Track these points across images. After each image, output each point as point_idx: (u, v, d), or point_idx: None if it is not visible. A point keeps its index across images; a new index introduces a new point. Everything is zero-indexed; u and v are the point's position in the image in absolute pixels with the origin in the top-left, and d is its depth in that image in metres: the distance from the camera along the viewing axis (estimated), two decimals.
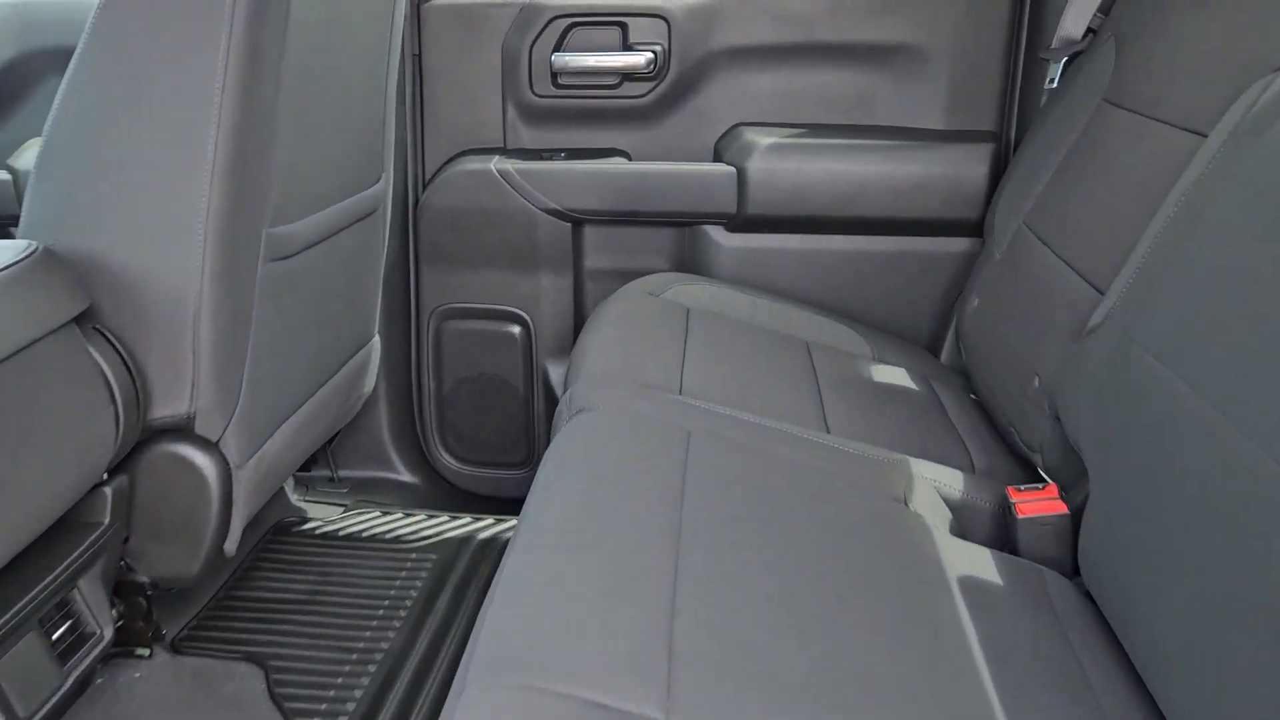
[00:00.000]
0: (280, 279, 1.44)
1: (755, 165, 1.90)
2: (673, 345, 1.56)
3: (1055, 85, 1.85)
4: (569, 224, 2.00)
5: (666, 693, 0.78)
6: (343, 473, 2.16)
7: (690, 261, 2.00)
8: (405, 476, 2.17)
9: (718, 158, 1.99)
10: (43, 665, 1.23)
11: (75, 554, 1.25)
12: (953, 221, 1.89)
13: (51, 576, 1.22)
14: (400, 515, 2.06)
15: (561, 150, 2.02)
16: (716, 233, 1.96)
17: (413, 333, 2.09)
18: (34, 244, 1.21)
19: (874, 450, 1.34)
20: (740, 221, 1.94)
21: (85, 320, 1.25)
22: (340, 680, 1.55)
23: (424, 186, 2.01)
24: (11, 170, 2.02)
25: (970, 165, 1.88)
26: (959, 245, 1.91)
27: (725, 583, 0.96)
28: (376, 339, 1.95)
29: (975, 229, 1.89)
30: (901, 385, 1.64)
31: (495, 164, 1.98)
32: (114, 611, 1.43)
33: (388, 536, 1.97)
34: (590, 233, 2.02)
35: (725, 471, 1.18)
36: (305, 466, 2.13)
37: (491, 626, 0.83)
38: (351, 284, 1.74)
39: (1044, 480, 1.29)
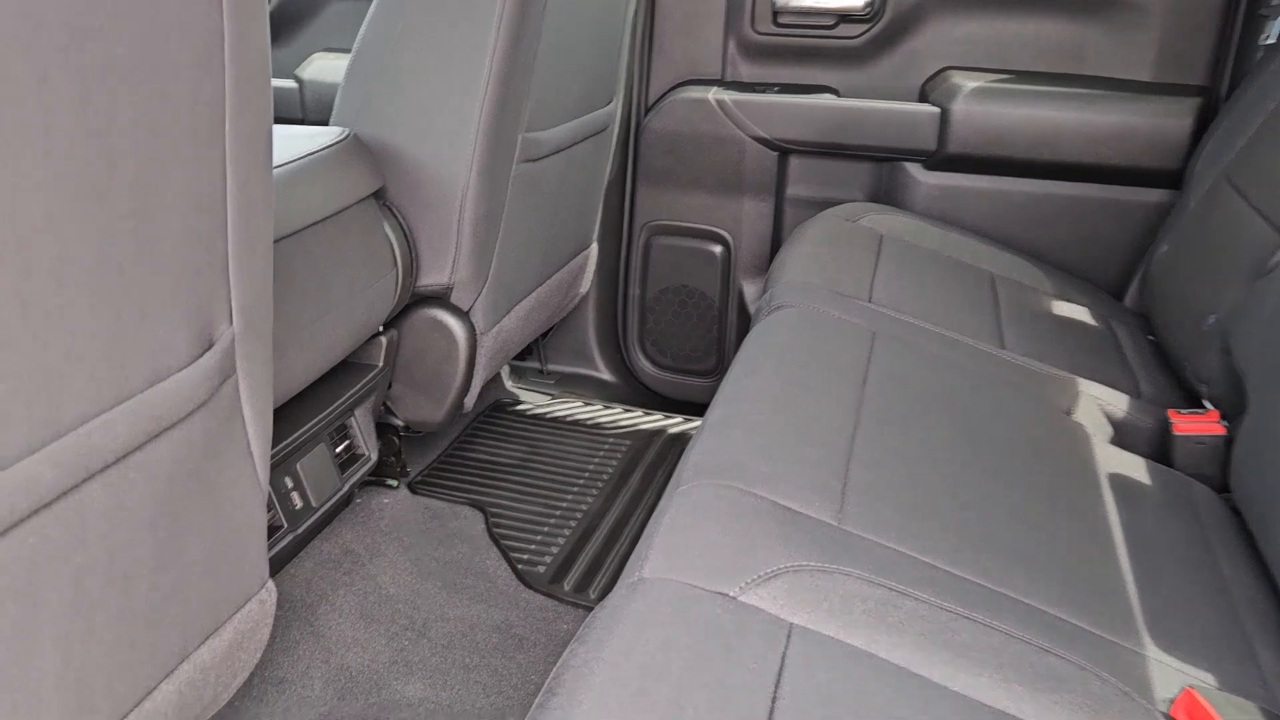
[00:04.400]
0: (528, 179, 1.68)
1: (959, 107, 2.01)
2: (865, 263, 1.71)
3: (1272, 42, 1.87)
4: (775, 153, 2.16)
5: (839, 506, 0.97)
6: (551, 366, 2.43)
7: (886, 195, 2.13)
8: (605, 375, 2.42)
9: (922, 99, 2.11)
10: (328, 470, 1.53)
11: (357, 386, 1.54)
12: (1150, 171, 1.94)
13: (339, 401, 1.51)
14: (600, 406, 2.31)
15: (775, 85, 2.18)
16: (914, 169, 2.08)
17: (624, 244, 2.32)
18: (347, 130, 1.49)
19: (1043, 367, 1.46)
20: (938, 159, 2.05)
21: (379, 197, 1.53)
22: (546, 529, 1.80)
23: (646, 111, 2.22)
24: (299, 80, 2.35)
25: (1174, 117, 1.92)
26: (1153, 195, 1.96)
27: (895, 447, 1.13)
28: (595, 246, 2.19)
29: (1172, 180, 1.94)
30: (1079, 319, 1.74)
31: (713, 94, 2.16)
32: (377, 446, 1.73)
33: (588, 423, 2.22)
34: (794, 162, 2.18)
35: (904, 368, 1.34)
36: (519, 358, 2.41)
37: (703, 445, 1.04)
38: (579, 193, 1.97)
39: (1206, 408, 1.39)
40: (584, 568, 1.71)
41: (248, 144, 0.90)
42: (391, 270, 1.51)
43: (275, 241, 1.26)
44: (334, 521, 1.69)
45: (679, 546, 0.92)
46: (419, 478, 1.91)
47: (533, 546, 1.76)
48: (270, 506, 1.41)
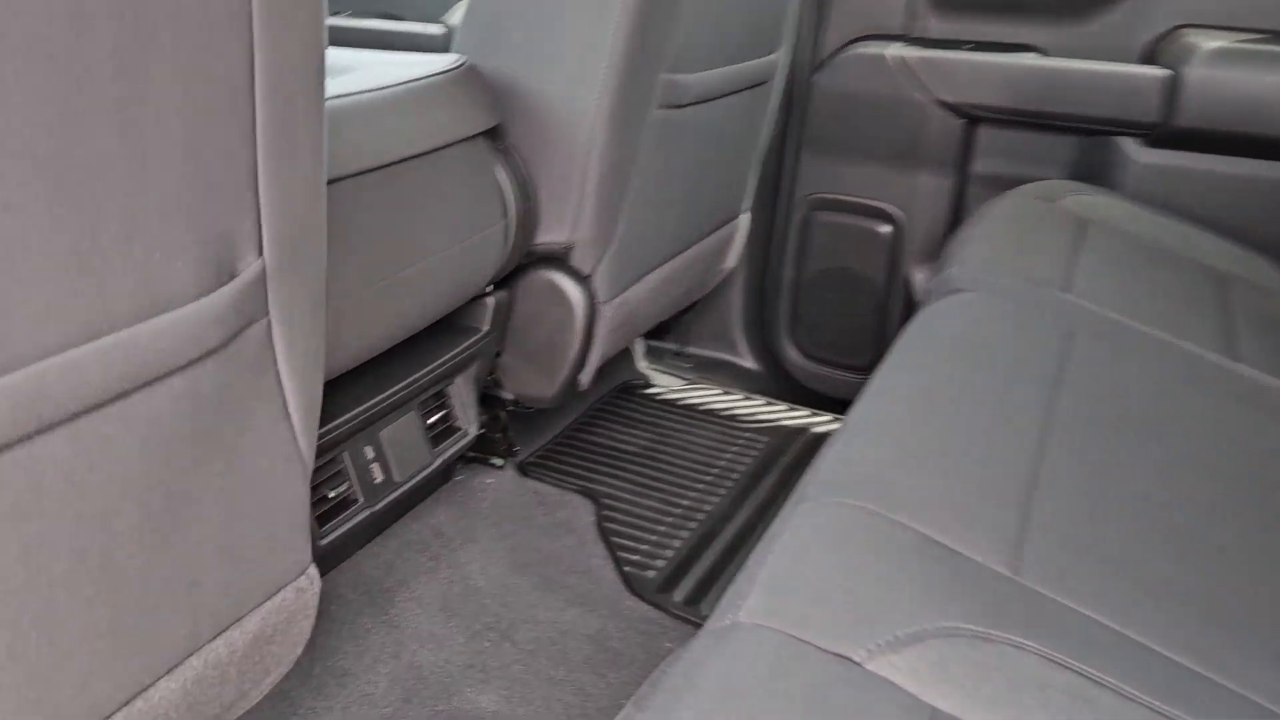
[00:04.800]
0: (668, 128, 1.46)
1: (1196, 72, 1.67)
2: (1063, 248, 1.42)
3: None
4: (962, 121, 1.87)
5: (1015, 550, 0.72)
6: (690, 349, 2.21)
7: (1090, 174, 1.81)
8: (748, 362, 2.18)
9: (1147, 62, 1.77)
10: (418, 442, 1.37)
11: (456, 350, 1.37)
12: None
13: (433, 365, 1.34)
14: (740, 396, 2.08)
15: (968, 42, 1.89)
16: (1130, 145, 1.75)
17: (779, 218, 2.07)
18: (463, 58, 1.31)
19: None
20: (1164, 135, 1.72)
21: (494, 137, 1.35)
22: (662, 529, 1.60)
23: (817, 68, 1.97)
24: (446, 26, 2.21)
25: None
26: None
27: (1094, 478, 0.86)
28: (746, 216, 1.96)
29: None
30: None
31: (894, 50, 1.89)
32: (479, 420, 1.57)
33: (724, 413, 2.00)
34: (983, 133, 1.89)
35: (1108, 376, 1.06)
36: (656, 336, 2.21)
37: (837, 451, 0.80)
38: (730, 152, 1.74)
39: None
40: (699, 578, 1.50)
41: (284, 25, 0.72)
42: (500, 221, 1.33)
43: (361, 174, 1.09)
44: (427, 499, 1.53)
45: (790, 583, 0.69)
46: (530, 458, 1.74)
47: (644, 547, 1.55)
48: (344, 478, 1.25)
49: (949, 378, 0.97)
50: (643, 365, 2.16)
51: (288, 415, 0.86)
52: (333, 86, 1.13)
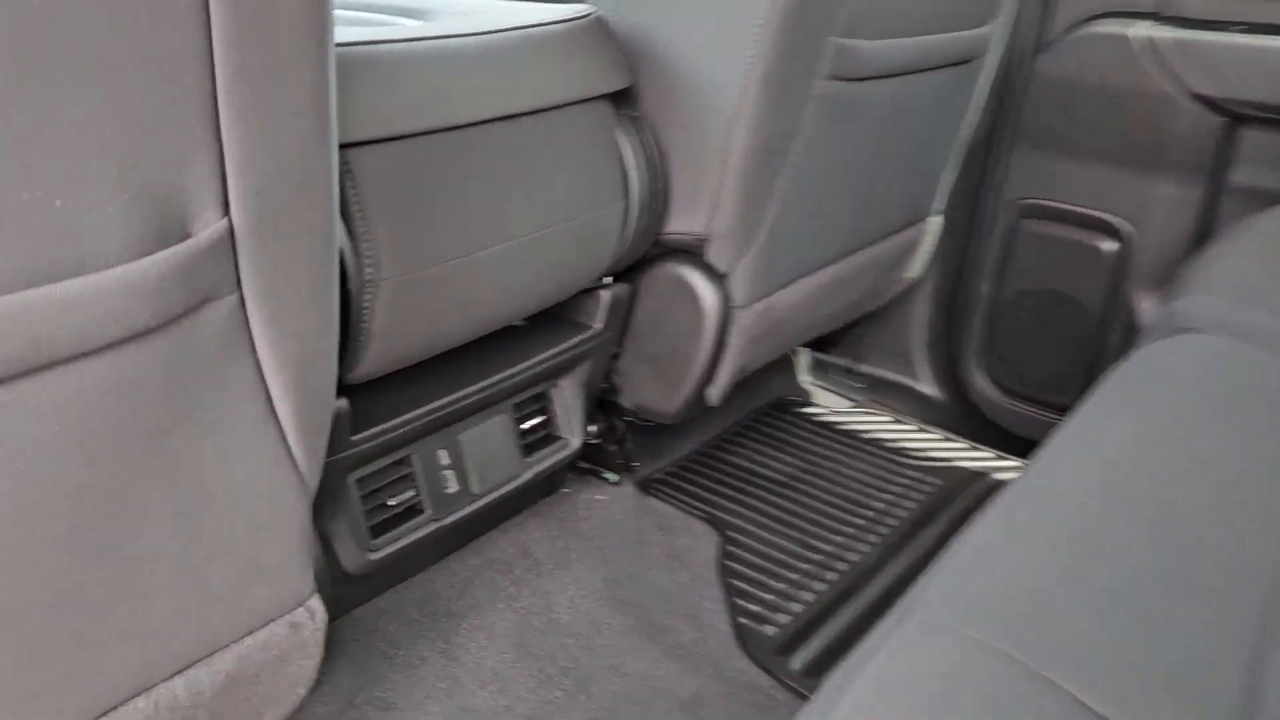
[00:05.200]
0: (837, 104, 1.22)
1: None
2: None
3: None
4: (1221, 119, 1.52)
5: None
6: (862, 367, 1.95)
7: None
8: (929, 389, 1.89)
9: None
10: (507, 451, 1.19)
11: (560, 348, 1.19)
12: None
13: (531, 362, 1.16)
14: (914, 428, 1.80)
15: (1239, 23, 1.53)
16: None
17: (980, 224, 1.77)
18: (592, 8, 1.12)
19: None
20: None
21: (620, 102, 1.15)
22: (795, 576, 1.36)
23: (1041, 49, 1.65)
24: None
25: None
26: None
27: None
28: (937, 219, 1.68)
29: None
30: None
31: (1139, 30, 1.56)
32: (593, 428, 1.38)
33: (891, 445, 1.73)
34: (1249, 135, 1.52)
35: None
36: (823, 348, 1.96)
37: (965, 553, 0.55)
38: (922, 141, 1.47)
39: None
40: (826, 642, 1.25)
41: None
42: (620, 201, 1.13)
43: (443, 130, 0.91)
44: (523, 512, 1.36)
45: None
46: (655, 474, 1.54)
47: (769, 596, 1.32)
48: (410, 484, 1.09)
49: (1158, 449, 0.69)
50: (805, 380, 1.92)
51: (274, 418, 0.69)
52: (432, 28, 0.96)
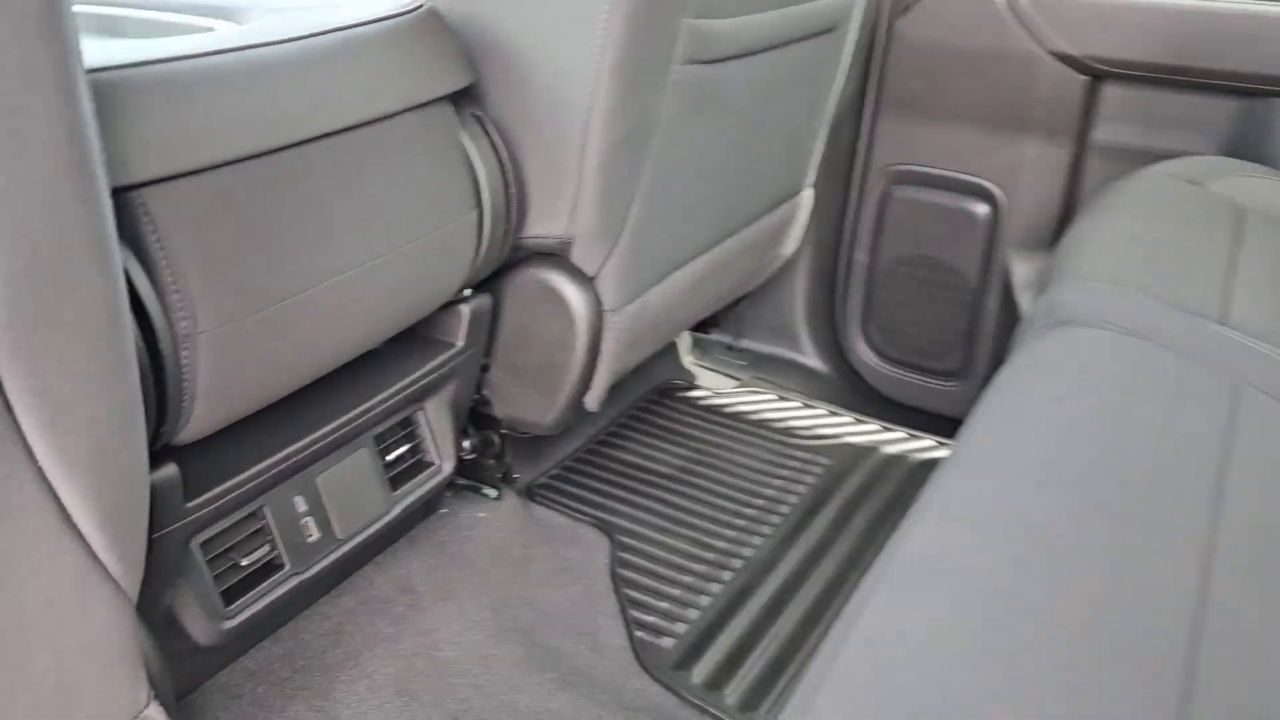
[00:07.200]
0: (696, 89, 1.15)
1: None
2: (1216, 254, 1.07)
3: None
4: (1084, 78, 1.51)
5: None
6: (744, 343, 1.90)
7: (1250, 148, 1.43)
8: (812, 361, 1.87)
9: None
10: (370, 488, 1.10)
11: (421, 371, 1.10)
12: None
13: (390, 390, 1.07)
14: (799, 404, 1.77)
15: None
16: None
17: (852, 194, 1.74)
18: (422, 1, 1.02)
19: None
20: None
21: (463, 103, 1.05)
22: (689, 579, 1.31)
23: (902, 10, 1.61)
24: None
25: None
26: None
27: None
28: (809, 192, 1.63)
29: None
30: None
31: None
32: (467, 444, 1.29)
33: (779, 424, 1.69)
34: (1111, 92, 1.52)
35: None
36: (704, 328, 1.91)
37: (858, 642, 0.49)
38: (788, 117, 1.42)
39: None
40: (726, 651, 1.21)
41: None
42: (472, 211, 1.04)
43: (271, 152, 0.81)
44: (400, 540, 1.27)
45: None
46: (539, 479, 1.46)
47: (664, 605, 1.27)
48: (264, 538, 0.99)
49: (1062, 468, 0.65)
50: (688, 361, 1.86)
51: (71, 530, 0.59)
52: (239, 34, 0.85)
